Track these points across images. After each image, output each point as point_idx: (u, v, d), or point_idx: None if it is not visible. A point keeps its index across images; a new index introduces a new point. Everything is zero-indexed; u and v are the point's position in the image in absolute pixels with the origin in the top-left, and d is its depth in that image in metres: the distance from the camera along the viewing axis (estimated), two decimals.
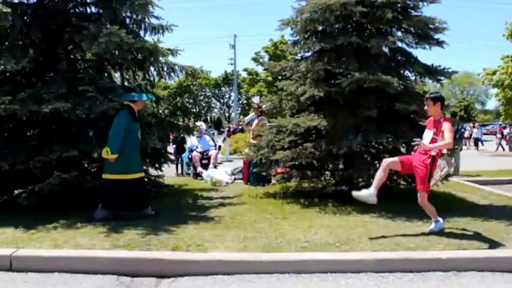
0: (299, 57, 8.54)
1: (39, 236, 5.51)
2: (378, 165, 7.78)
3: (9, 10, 6.97)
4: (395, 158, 5.82)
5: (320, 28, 8.00)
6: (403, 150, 8.05)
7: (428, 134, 5.67)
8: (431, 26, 7.80)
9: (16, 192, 7.92)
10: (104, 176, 6.60)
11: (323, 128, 7.28)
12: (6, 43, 7.63)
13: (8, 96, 6.84)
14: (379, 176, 5.67)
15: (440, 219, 5.67)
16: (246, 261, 4.52)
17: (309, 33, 8.12)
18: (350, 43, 7.51)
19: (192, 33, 61.52)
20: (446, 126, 5.43)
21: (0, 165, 6.85)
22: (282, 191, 8.22)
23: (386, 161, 5.75)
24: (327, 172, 8.22)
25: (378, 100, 7.65)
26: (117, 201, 6.46)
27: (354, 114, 7.43)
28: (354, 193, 5.67)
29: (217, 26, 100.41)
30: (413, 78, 8.38)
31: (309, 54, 8.27)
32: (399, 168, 5.74)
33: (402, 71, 8.19)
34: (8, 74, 7.61)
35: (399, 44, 8.04)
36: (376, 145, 7.72)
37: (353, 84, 7.10)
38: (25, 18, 7.70)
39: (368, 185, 7.75)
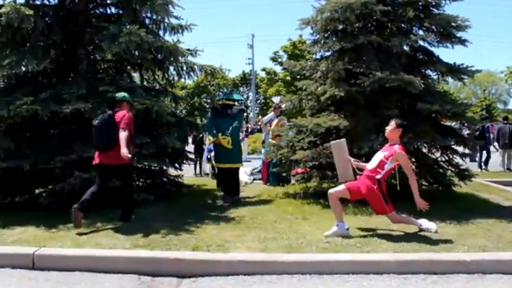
0: (319, 57, 8.50)
1: (60, 235, 5.58)
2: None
3: (31, 12, 7.10)
4: (341, 187, 5.60)
5: (340, 27, 7.96)
6: (425, 150, 7.99)
7: (377, 157, 5.69)
8: (453, 24, 7.70)
9: (37, 191, 8.04)
10: None
11: (343, 128, 7.23)
12: (28, 44, 7.76)
13: (30, 96, 6.96)
14: (336, 207, 5.55)
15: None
16: (267, 262, 4.52)
17: (329, 32, 8.10)
18: (370, 42, 7.46)
19: (209, 33, 61.91)
20: (402, 156, 5.46)
21: (21, 165, 6.97)
22: (302, 192, 8.18)
23: (332, 193, 5.55)
24: None
25: (399, 100, 7.59)
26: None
27: (375, 114, 7.38)
28: (326, 233, 5.42)
29: (235, 25, 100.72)
30: (435, 77, 8.27)
31: (329, 53, 8.24)
32: (348, 196, 5.60)
33: (424, 70, 8.11)
34: (29, 75, 7.74)
35: (421, 42, 7.96)
36: None
37: (374, 84, 7.05)
38: (47, 19, 7.82)
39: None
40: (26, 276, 4.59)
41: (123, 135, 6.02)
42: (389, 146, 5.64)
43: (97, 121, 6.27)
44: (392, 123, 5.68)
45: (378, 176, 5.51)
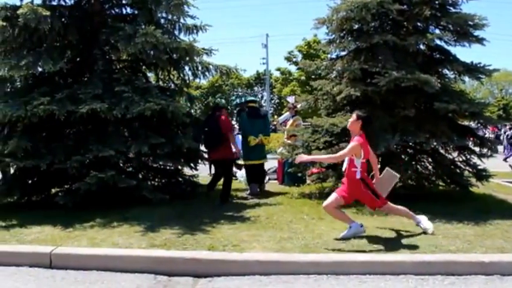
0: (334, 56, 8.48)
1: (77, 235, 5.65)
2: (416, 165, 7.72)
3: (48, 13, 7.19)
4: (334, 197, 5.51)
5: (356, 26, 7.93)
6: (442, 150, 7.93)
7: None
8: (470, 22, 7.63)
9: (53, 191, 8.15)
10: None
11: None
12: (45, 45, 7.87)
13: (47, 96, 7.05)
14: (338, 215, 5.55)
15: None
16: (283, 262, 4.53)
17: (344, 32, 8.07)
18: (386, 41, 7.41)
19: (223, 32, 61.79)
20: (350, 144, 5.46)
21: (38, 165, 7.07)
22: (318, 192, 8.16)
23: (327, 206, 5.49)
24: None
25: (415, 99, 7.55)
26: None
27: (391, 114, 7.34)
28: (342, 235, 5.38)
29: (249, 25, 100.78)
30: (451, 76, 8.20)
31: (345, 53, 8.21)
32: (342, 202, 5.56)
33: (440, 70, 8.05)
34: (46, 75, 7.84)
35: (438, 41, 7.90)
36: (414, 145, 7.59)
37: (390, 84, 7.01)
38: (63, 20, 7.91)
39: (404, 187, 7.74)
40: (43, 275, 4.66)
41: (231, 137, 7.96)
42: (351, 140, 5.60)
43: (207, 127, 7.90)
44: (353, 115, 5.64)
45: (358, 176, 5.46)
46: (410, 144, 7.53)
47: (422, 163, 8.03)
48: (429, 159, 8.00)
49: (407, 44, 7.36)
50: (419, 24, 7.91)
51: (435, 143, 7.36)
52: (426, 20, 7.76)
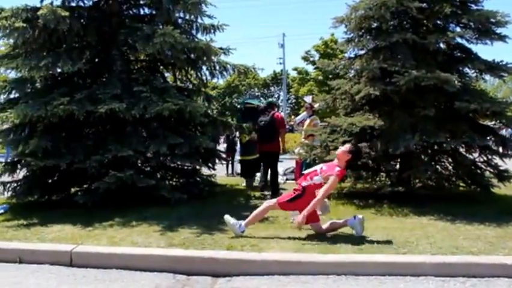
0: (353, 56, 8.46)
1: (97, 234, 5.73)
2: (436, 166, 7.66)
3: (67, 14, 7.29)
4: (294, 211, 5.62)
5: (375, 25, 7.91)
6: (462, 151, 7.85)
7: (317, 166, 5.74)
8: (492, 20, 7.57)
9: (72, 190, 8.26)
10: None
11: (378, 127, 7.18)
12: (64, 46, 7.98)
13: (66, 97, 7.15)
14: (255, 215, 5.58)
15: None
16: (302, 262, 4.54)
17: (363, 30, 8.05)
18: (405, 40, 7.38)
19: (240, 32, 62.04)
20: (331, 178, 5.36)
21: (58, 164, 7.18)
22: (336, 192, 8.15)
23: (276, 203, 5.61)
24: (382, 173, 8.10)
25: (435, 99, 7.49)
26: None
27: (410, 114, 7.31)
28: (228, 218, 5.55)
29: (266, 24, 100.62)
30: (473, 75, 8.13)
31: (364, 52, 8.19)
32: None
33: (461, 68, 7.99)
34: (65, 76, 7.96)
35: (458, 39, 7.84)
36: (434, 145, 7.53)
37: (410, 83, 6.97)
38: (81, 21, 8.01)
39: (423, 187, 7.69)
40: (64, 272, 4.74)
41: (283, 133, 9.17)
42: (333, 165, 5.56)
43: (262, 122, 8.80)
44: (347, 146, 5.65)
45: (304, 184, 5.48)
46: (430, 144, 7.46)
47: (442, 163, 7.97)
48: (450, 160, 7.93)
49: (427, 42, 7.33)
50: (439, 22, 7.87)
51: (455, 143, 7.30)
52: (446, 18, 7.71)
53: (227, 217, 5.53)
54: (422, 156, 7.68)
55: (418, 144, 7.21)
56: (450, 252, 4.75)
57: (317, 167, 5.66)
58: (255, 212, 5.59)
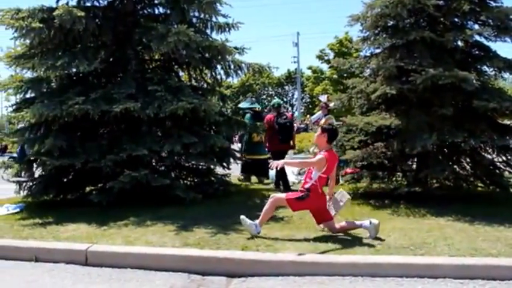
0: (369, 54, 8.39)
1: (111, 233, 5.76)
2: (453, 166, 7.56)
3: (83, 14, 7.36)
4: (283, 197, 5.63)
5: (391, 23, 7.84)
6: (481, 150, 7.75)
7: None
8: None
9: (87, 189, 8.32)
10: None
11: (394, 127, 7.12)
12: (79, 45, 8.04)
13: (82, 96, 7.21)
14: (266, 212, 5.54)
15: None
16: (318, 263, 4.51)
17: (379, 28, 7.98)
18: (423, 38, 7.30)
19: (253, 30, 62.00)
20: (318, 156, 5.41)
21: (73, 163, 7.24)
22: (352, 192, 8.10)
23: (275, 200, 5.59)
24: (398, 173, 8.03)
25: (453, 97, 7.40)
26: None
27: (428, 113, 7.22)
28: (244, 218, 5.52)
29: (280, 23, 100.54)
30: (491, 73, 8.01)
31: (380, 50, 8.12)
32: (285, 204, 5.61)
33: (479, 66, 7.88)
34: (80, 75, 8.02)
35: (477, 37, 7.74)
36: (452, 145, 7.44)
37: (427, 81, 6.89)
38: (97, 21, 8.07)
39: (441, 187, 7.60)
40: (79, 271, 4.79)
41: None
42: (317, 153, 5.57)
43: (287, 122, 9.40)
44: (318, 130, 5.66)
45: (307, 186, 5.44)
46: (448, 143, 7.38)
47: (460, 163, 7.86)
48: (468, 159, 7.83)
49: (444, 40, 7.25)
50: (456, 19, 7.77)
51: (473, 143, 7.20)
52: (464, 15, 7.61)
53: (243, 218, 5.51)
54: (439, 156, 7.58)
55: (435, 143, 7.11)
56: (469, 254, 4.68)
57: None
58: (264, 209, 5.55)
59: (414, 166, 7.90)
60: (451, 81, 6.86)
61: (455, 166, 7.70)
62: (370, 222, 5.36)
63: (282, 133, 9.21)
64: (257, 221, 5.46)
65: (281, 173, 8.89)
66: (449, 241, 5.10)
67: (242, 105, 11.70)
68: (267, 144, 9.59)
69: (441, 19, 7.71)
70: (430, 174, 7.34)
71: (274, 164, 5.47)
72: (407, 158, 7.50)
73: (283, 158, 8.95)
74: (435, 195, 7.38)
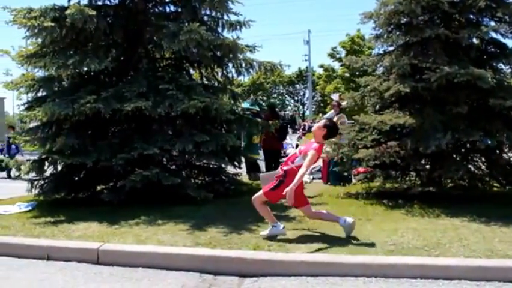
0: (382, 52, 8.35)
1: (123, 232, 5.78)
2: (468, 165, 7.50)
3: (94, 13, 7.39)
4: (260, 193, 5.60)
5: (405, 20, 7.79)
6: (496, 149, 7.67)
7: (296, 150, 5.82)
8: None
9: (98, 188, 8.37)
10: None
11: (408, 125, 7.06)
12: (91, 44, 8.10)
13: (93, 95, 7.25)
14: (263, 211, 5.55)
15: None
16: (331, 263, 4.49)
17: (392, 26, 7.94)
18: (437, 35, 7.24)
19: (264, 28, 61.76)
20: (310, 152, 5.34)
21: (84, 162, 7.29)
22: (364, 192, 8.06)
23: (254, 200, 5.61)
24: (412, 172, 7.97)
25: (468, 96, 7.32)
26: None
27: (442, 111, 7.16)
28: (262, 233, 5.46)
29: (291, 21, 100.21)
30: (508, 71, 7.94)
31: (393, 48, 8.07)
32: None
33: (495, 64, 7.81)
34: (92, 74, 8.05)
35: (493, 34, 7.67)
36: (467, 144, 7.38)
37: (441, 79, 6.83)
38: (108, 19, 8.12)
39: (455, 187, 7.54)
40: (91, 270, 4.81)
41: None
42: (311, 142, 5.57)
43: (282, 122, 10.27)
44: (321, 122, 5.71)
45: (285, 167, 5.46)
46: (462, 142, 7.31)
47: (475, 163, 7.79)
48: (483, 159, 7.75)
49: (459, 37, 7.18)
50: (472, 16, 7.71)
51: (489, 142, 7.12)
52: (480, 12, 7.54)
53: (264, 234, 5.41)
54: (454, 156, 7.52)
55: (450, 143, 7.05)
56: (485, 255, 4.63)
57: (297, 150, 5.77)
58: (261, 213, 5.57)
59: (428, 165, 7.83)
60: (466, 79, 6.79)
61: (470, 166, 7.64)
62: (345, 221, 5.40)
63: (279, 132, 9.92)
64: (271, 224, 5.44)
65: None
66: (464, 242, 5.05)
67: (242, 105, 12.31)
68: (262, 143, 10.20)
69: (456, 16, 7.65)
70: (444, 174, 7.27)
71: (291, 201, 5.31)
72: (421, 157, 7.43)
73: (277, 156, 10.27)
74: (449, 195, 7.34)
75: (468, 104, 7.17)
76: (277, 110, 11.68)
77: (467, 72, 6.77)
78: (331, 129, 5.62)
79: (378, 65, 8.27)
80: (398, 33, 7.90)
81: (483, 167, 7.73)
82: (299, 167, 5.35)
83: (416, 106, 7.46)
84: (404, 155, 7.16)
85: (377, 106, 8.07)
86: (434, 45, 7.33)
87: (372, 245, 4.99)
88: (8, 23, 7.66)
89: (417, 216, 6.38)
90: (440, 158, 7.22)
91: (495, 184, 7.79)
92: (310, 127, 24.65)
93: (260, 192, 5.56)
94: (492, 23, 7.66)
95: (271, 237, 5.28)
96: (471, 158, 7.74)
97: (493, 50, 7.88)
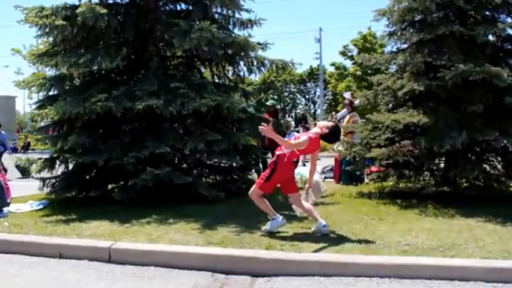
0: (395, 50, 8.29)
1: (134, 230, 5.82)
2: (484, 165, 7.43)
3: (105, 11, 7.44)
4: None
5: (419, 17, 7.75)
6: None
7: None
8: None
9: (109, 186, 8.42)
10: None
11: (422, 124, 7.02)
12: (102, 42, 8.15)
13: (104, 93, 7.29)
14: (262, 205, 5.69)
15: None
16: (344, 263, 4.48)
17: (406, 23, 7.89)
18: (452, 32, 7.18)
19: (274, 26, 61.58)
20: (303, 137, 5.54)
21: (96, 161, 7.33)
22: (377, 191, 8.03)
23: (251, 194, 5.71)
24: (426, 172, 7.92)
25: (484, 94, 7.27)
26: None
27: (457, 110, 7.10)
28: (264, 228, 5.58)
29: (302, 19, 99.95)
30: None
31: (407, 45, 8.02)
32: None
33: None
34: (103, 72, 8.10)
35: (510, 31, 7.58)
36: (482, 143, 7.31)
37: (456, 77, 6.77)
38: (119, 17, 8.15)
39: (470, 187, 7.47)
40: (103, 268, 4.84)
41: None
42: (309, 131, 5.76)
43: None
44: (329, 124, 5.76)
45: (278, 152, 5.54)
46: (478, 142, 7.25)
47: (491, 162, 7.72)
48: (499, 158, 7.68)
49: (475, 34, 7.11)
50: (487, 12, 7.64)
51: (505, 141, 7.06)
52: (496, 8, 7.47)
53: (266, 229, 5.55)
54: (469, 155, 7.46)
55: (465, 142, 6.98)
56: (501, 256, 4.58)
57: (292, 137, 5.85)
58: (261, 208, 5.68)
59: (442, 165, 7.78)
60: (482, 77, 6.73)
61: (485, 165, 7.56)
62: (323, 226, 5.43)
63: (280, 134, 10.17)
64: (271, 217, 5.57)
65: None
66: (480, 243, 5.00)
67: None
68: (267, 143, 9.87)
69: (472, 12, 7.57)
70: (459, 174, 7.22)
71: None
72: (435, 156, 7.38)
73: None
74: (464, 195, 7.28)
75: (483, 103, 7.11)
76: (277, 110, 11.48)
77: (482, 70, 6.70)
78: (333, 134, 5.67)
79: (392, 63, 8.22)
80: (411, 30, 7.85)
81: (499, 166, 7.66)
82: (293, 153, 5.47)
83: (430, 105, 7.41)
84: (418, 154, 7.11)
85: (390, 105, 8.04)
86: (448, 43, 7.28)
87: (385, 245, 4.96)
88: (20, 22, 7.74)
89: (431, 216, 6.34)
90: (455, 157, 7.17)
91: (511, 184, 7.71)
92: None
93: (254, 186, 5.64)
94: (509, 20, 7.57)
95: (284, 236, 5.27)
96: (486, 158, 7.68)
97: (509, 47, 7.83)
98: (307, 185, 5.90)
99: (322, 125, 5.72)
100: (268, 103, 11.32)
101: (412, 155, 7.08)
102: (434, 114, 7.14)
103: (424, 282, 4.21)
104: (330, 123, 5.80)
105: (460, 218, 6.21)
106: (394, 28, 8.08)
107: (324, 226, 5.42)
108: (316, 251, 4.79)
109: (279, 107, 11.71)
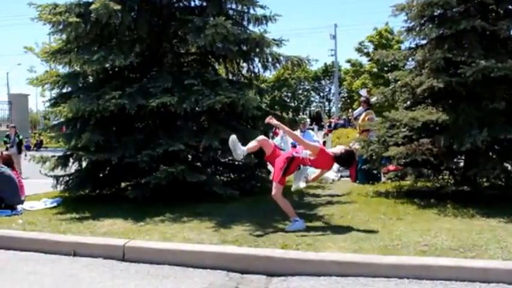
0: (414, 46, 8.22)
1: (148, 229, 5.86)
2: (505, 164, 7.34)
3: (119, 7, 7.47)
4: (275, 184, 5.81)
5: (438, 12, 7.66)
6: None
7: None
8: None
9: (123, 184, 8.48)
10: None
11: (442, 122, 6.94)
12: (115, 39, 8.19)
13: (118, 91, 7.34)
14: (284, 205, 5.85)
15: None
16: (362, 263, 4.45)
17: (425, 18, 7.80)
18: (473, 27, 7.09)
19: (289, 23, 61.43)
20: (315, 144, 6.03)
21: (109, 158, 7.38)
22: (395, 190, 7.97)
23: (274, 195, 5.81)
24: (445, 171, 7.85)
25: (505, 91, 7.17)
26: None
27: (477, 107, 7.02)
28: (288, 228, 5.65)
29: (317, 15, 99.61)
30: None
31: (426, 41, 7.94)
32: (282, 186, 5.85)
33: None
34: (117, 69, 8.15)
35: None
36: (504, 141, 7.21)
37: (477, 74, 6.69)
38: (132, 14, 8.19)
39: (491, 186, 7.39)
40: (117, 266, 4.89)
41: None
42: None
43: None
44: (339, 150, 5.91)
45: (295, 154, 5.80)
46: (499, 140, 7.15)
47: None
48: None
49: (497, 29, 7.01)
50: (510, 7, 7.51)
51: None
52: None
53: (289, 228, 5.61)
54: (490, 153, 7.37)
55: (486, 140, 6.90)
56: None
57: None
58: (282, 207, 5.79)
59: (461, 164, 7.70)
60: (504, 73, 6.64)
61: (506, 164, 7.46)
62: (296, 221, 5.62)
63: None
64: (292, 219, 5.65)
65: None
66: (502, 244, 4.93)
67: None
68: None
69: (494, 7, 7.49)
70: (480, 173, 7.11)
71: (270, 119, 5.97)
72: (455, 155, 7.31)
73: None
74: (485, 195, 7.18)
75: (505, 100, 7.01)
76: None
77: (505, 67, 6.62)
78: (343, 158, 5.87)
79: (410, 59, 8.16)
80: (431, 25, 7.75)
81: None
82: (305, 160, 5.73)
83: (449, 102, 7.34)
84: (437, 153, 7.04)
85: (408, 102, 7.96)
86: (469, 38, 7.18)
87: (404, 245, 4.93)
88: (33, 20, 7.83)
89: (450, 216, 6.28)
90: (475, 155, 7.09)
91: None
92: (336, 124, 24.56)
93: (275, 185, 5.74)
94: None
95: (299, 235, 5.27)
96: (508, 156, 7.57)
97: None
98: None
99: (339, 148, 5.98)
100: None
101: (431, 154, 7.01)
102: (453, 111, 7.07)
103: (444, 283, 4.18)
104: (346, 148, 6.01)
105: (481, 218, 6.14)
106: (413, 23, 8.00)
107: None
108: (333, 250, 4.78)
109: (292, 104, 11.31)
